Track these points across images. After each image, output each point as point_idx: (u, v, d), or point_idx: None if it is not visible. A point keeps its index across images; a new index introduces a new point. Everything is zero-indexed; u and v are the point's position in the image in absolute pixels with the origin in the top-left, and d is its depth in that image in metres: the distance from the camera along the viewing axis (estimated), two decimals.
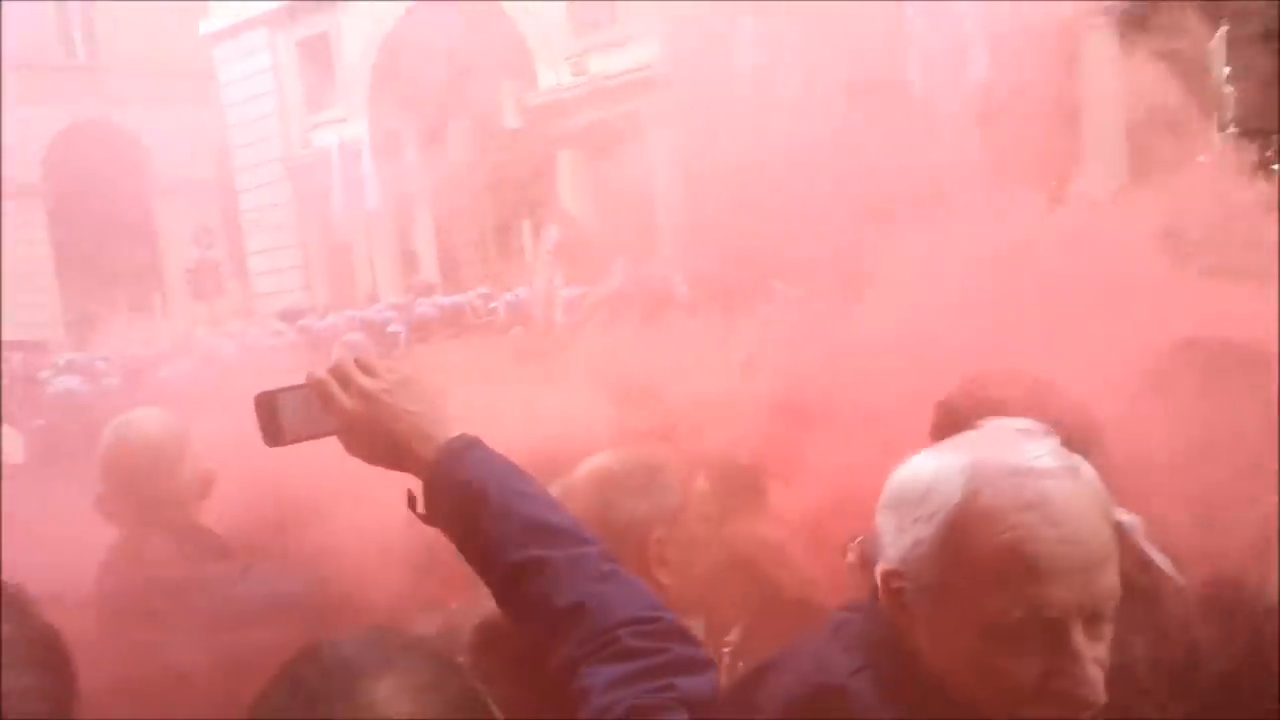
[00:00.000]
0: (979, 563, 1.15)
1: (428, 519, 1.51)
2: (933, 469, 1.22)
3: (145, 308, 19.91)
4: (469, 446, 1.52)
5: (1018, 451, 1.18)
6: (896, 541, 1.22)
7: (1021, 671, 1.14)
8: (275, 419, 1.53)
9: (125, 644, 2.04)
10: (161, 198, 27.22)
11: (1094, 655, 1.15)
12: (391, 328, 8.82)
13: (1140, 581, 1.33)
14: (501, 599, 1.47)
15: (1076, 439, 1.29)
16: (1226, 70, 11.15)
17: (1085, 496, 1.18)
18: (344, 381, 1.53)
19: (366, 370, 1.54)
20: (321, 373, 1.54)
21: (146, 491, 2.28)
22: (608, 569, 1.44)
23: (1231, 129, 10.76)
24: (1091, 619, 1.16)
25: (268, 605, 2.11)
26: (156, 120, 26.49)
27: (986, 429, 1.27)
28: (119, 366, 8.94)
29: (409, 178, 22.07)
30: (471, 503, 1.46)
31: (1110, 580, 1.16)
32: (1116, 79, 14.98)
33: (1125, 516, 1.26)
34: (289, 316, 13.09)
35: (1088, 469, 1.21)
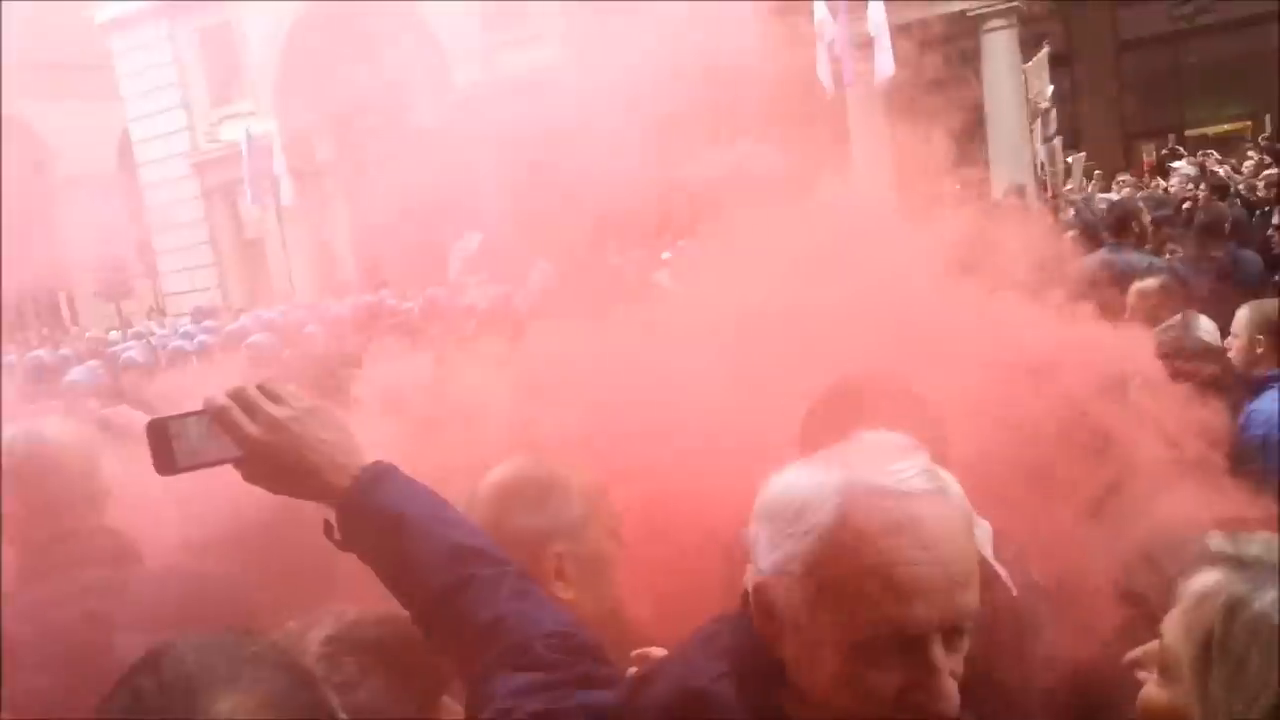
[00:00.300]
0: (848, 583, 1.18)
1: (344, 545, 1.54)
2: (806, 486, 1.24)
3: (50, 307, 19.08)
4: (384, 474, 1.55)
5: (889, 472, 1.21)
6: (769, 555, 1.25)
7: (882, 684, 1.19)
8: (167, 446, 1.50)
9: (63, 648, 2.04)
10: (62, 193, 26.11)
11: (950, 667, 1.21)
12: (309, 328, 8.72)
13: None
14: (422, 619, 1.52)
15: (935, 450, 1.32)
16: (1050, 89, 11.67)
17: (952, 518, 1.22)
18: (249, 409, 1.52)
19: (272, 397, 1.54)
20: (222, 399, 1.52)
21: (63, 495, 2.24)
22: (526, 587, 1.50)
23: (1052, 141, 11.27)
24: (951, 634, 1.21)
25: (196, 606, 2.12)
26: (51, 113, 25.27)
27: (860, 444, 1.30)
28: (20, 371, 8.63)
29: (323, 174, 21.61)
30: (390, 530, 1.50)
31: (971, 597, 1.22)
32: (1016, 82, 15.48)
33: (977, 526, 1.31)
34: (199, 316, 12.82)
35: (954, 487, 1.25)
